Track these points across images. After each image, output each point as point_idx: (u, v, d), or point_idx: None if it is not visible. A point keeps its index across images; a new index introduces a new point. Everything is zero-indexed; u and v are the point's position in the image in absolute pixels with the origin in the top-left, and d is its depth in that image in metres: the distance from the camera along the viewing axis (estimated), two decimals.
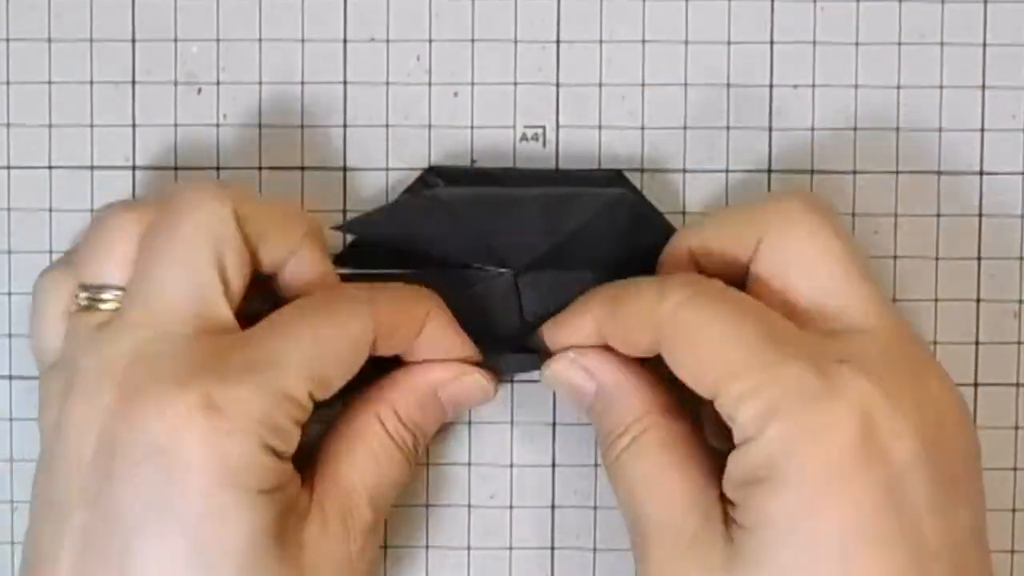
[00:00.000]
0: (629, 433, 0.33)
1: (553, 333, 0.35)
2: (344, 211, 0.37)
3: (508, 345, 0.36)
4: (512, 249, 0.36)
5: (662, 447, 0.32)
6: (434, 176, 0.36)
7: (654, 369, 0.33)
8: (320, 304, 0.32)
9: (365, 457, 0.33)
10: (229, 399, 0.30)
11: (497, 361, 0.36)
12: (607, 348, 0.34)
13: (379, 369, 0.34)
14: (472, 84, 0.37)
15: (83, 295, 0.32)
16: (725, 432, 0.31)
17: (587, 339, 0.34)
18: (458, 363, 0.35)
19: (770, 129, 0.37)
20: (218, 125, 0.37)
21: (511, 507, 0.37)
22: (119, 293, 0.32)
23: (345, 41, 0.37)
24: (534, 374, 0.37)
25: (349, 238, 0.37)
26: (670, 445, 0.33)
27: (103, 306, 0.32)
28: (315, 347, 0.31)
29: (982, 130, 0.37)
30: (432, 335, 0.34)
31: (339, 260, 0.36)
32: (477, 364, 0.35)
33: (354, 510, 0.32)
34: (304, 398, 0.31)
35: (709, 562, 0.31)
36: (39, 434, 0.32)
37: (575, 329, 0.34)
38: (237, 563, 0.29)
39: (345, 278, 0.36)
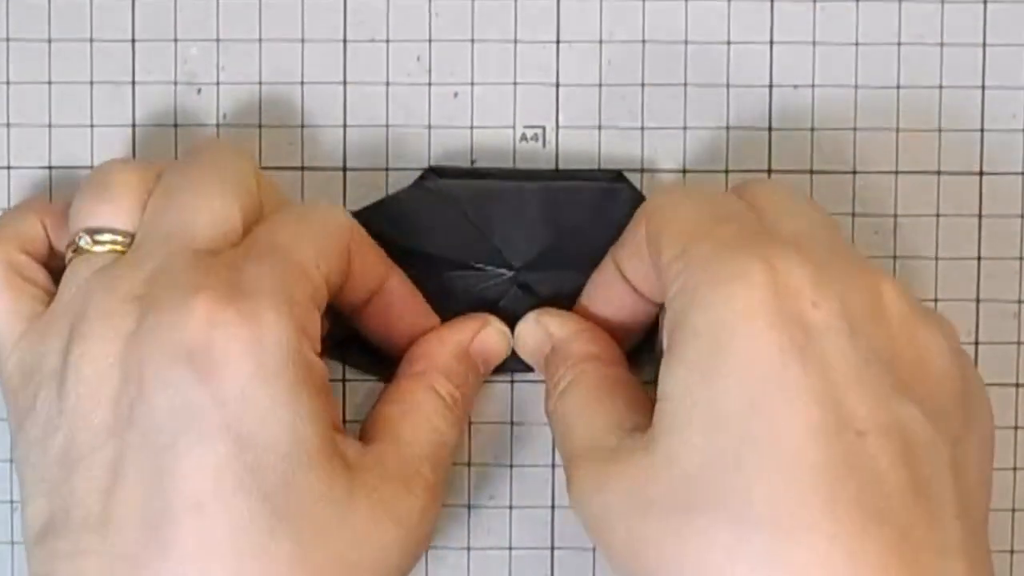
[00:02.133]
0: (566, 377, 0.33)
1: (584, 300, 0.35)
2: None
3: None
4: (512, 244, 0.36)
5: (593, 386, 0.33)
6: (434, 176, 0.36)
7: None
8: (299, 205, 0.34)
9: (422, 419, 0.33)
10: (250, 282, 0.29)
11: (503, 359, 0.36)
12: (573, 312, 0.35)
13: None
14: (472, 84, 0.37)
15: (86, 238, 0.32)
16: None
17: (610, 295, 0.34)
18: (475, 318, 0.35)
19: (770, 129, 0.37)
20: (218, 125, 0.37)
21: (511, 507, 0.37)
22: (118, 237, 0.32)
23: (345, 41, 0.37)
24: (534, 374, 0.37)
25: None
26: (601, 384, 0.33)
27: (101, 248, 0.31)
28: (307, 228, 0.32)
29: (982, 130, 0.37)
30: (396, 290, 0.34)
31: None
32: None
33: (415, 466, 0.32)
34: (316, 274, 0.31)
35: (623, 453, 0.30)
36: (22, 400, 0.31)
37: (599, 281, 0.35)
38: (283, 463, 0.28)
39: None
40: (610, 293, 0.35)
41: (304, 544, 0.28)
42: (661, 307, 0.33)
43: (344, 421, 0.37)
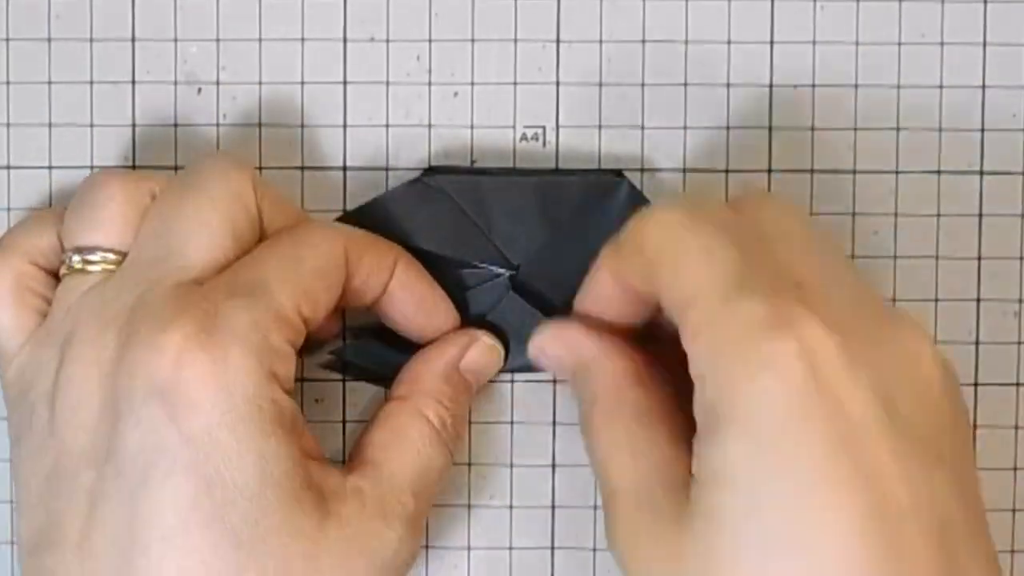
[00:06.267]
0: (602, 403, 0.33)
1: (579, 303, 0.35)
2: (344, 211, 0.37)
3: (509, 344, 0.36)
4: (510, 240, 0.36)
5: (632, 416, 0.32)
6: (432, 173, 0.36)
7: (640, 345, 0.34)
8: (292, 232, 0.33)
9: (406, 445, 0.33)
10: (224, 323, 0.29)
11: (503, 359, 0.36)
12: (589, 323, 0.34)
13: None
14: (472, 84, 0.37)
15: (76, 257, 0.32)
16: None
17: (607, 298, 0.34)
18: (463, 334, 0.35)
19: (770, 129, 0.37)
20: (218, 125, 0.37)
21: (511, 507, 0.37)
22: (109, 256, 0.32)
23: (345, 41, 0.37)
24: (534, 374, 0.37)
25: None
26: (640, 413, 0.32)
27: (93, 268, 0.32)
28: (294, 266, 0.31)
29: (982, 130, 0.37)
30: (405, 279, 0.34)
31: None
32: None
33: (395, 497, 0.32)
34: (295, 317, 0.31)
35: (663, 519, 0.29)
36: (19, 415, 0.32)
37: (595, 287, 0.34)
38: (251, 502, 0.29)
39: None
40: (608, 301, 0.34)
41: None
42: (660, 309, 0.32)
43: (344, 422, 0.37)
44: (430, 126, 0.37)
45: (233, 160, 0.33)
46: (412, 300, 0.35)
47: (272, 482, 0.29)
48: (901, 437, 0.28)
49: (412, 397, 0.34)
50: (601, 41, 0.37)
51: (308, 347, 0.36)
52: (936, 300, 0.37)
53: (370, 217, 0.36)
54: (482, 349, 0.35)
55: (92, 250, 0.32)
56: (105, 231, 0.32)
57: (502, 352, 0.36)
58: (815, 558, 0.27)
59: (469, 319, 0.36)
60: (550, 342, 0.34)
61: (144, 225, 0.32)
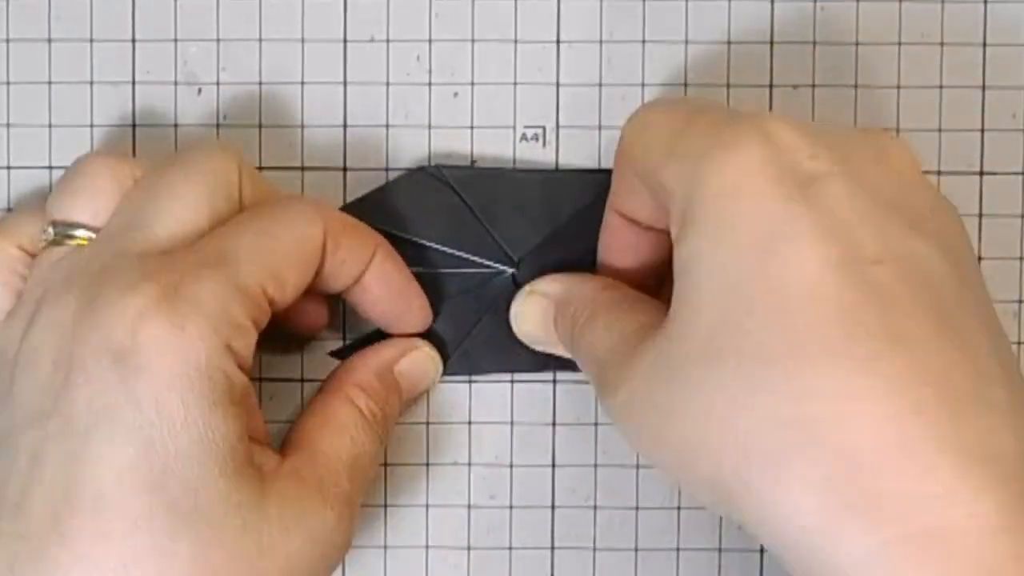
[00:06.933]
0: (583, 313, 0.33)
1: (601, 254, 0.35)
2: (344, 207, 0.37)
3: (509, 344, 0.36)
4: (511, 233, 0.36)
5: (612, 306, 0.33)
6: (435, 168, 0.37)
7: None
8: (272, 206, 0.32)
9: (340, 430, 0.33)
10: (187, 292, 0.29)
11: (500, 360, 0.36)
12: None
13: None
14: (472, 84, 0.37)
15: (51, 230, 0.32)
16: None
17: (621, 237, 0.34)
18: (407, 341, 0.36)
19: None
20: (218, 125, 0.37)
21: (511, 507, 0.37)
22: (85, 232, 0.32)
23: (345, 41, 0.37)
24: (535, 375, 0.37)
25: None
26: (621, 303, 0.33)
27: (70, 242, 0.32)
28: (266, 242, 0.31)
29: (982, 130, 0.37)
30: (381, 272, 0.34)
31: None
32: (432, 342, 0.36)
33: (331, 477, 0.32)
34: (259, 294, 0.31)
35: (648, 348, 0.29)
36: None
37: (607, 229, 0.35)
38: (191, 470, 0.29)
39: None
40: (623, 242, 0.34)
41: (206, 546, 0.29)
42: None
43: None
44: (430, 126, 0.37)
45: (221, 145, 0.33)
46: (386, 294, 0.35)
47: (214, 453, 0.29)
48: (867, 195, 0.27)
49: (344, 387, 0.34)
50: (601, 41, 0.37)
51: (298, 337, 0.36)
52: None
53: (371, 207, 0.36)
54: (420, 357, 0.36)
55: (70, 225, 0.32)
56: (82, 207, 0.32)
57: (440, 367, 0.36)
58: (787, 300, 0.26)
59: (472, 319, 0.36)
60: (525, 301, 0.35)
61: (122, 199, 0.32)
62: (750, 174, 0.28)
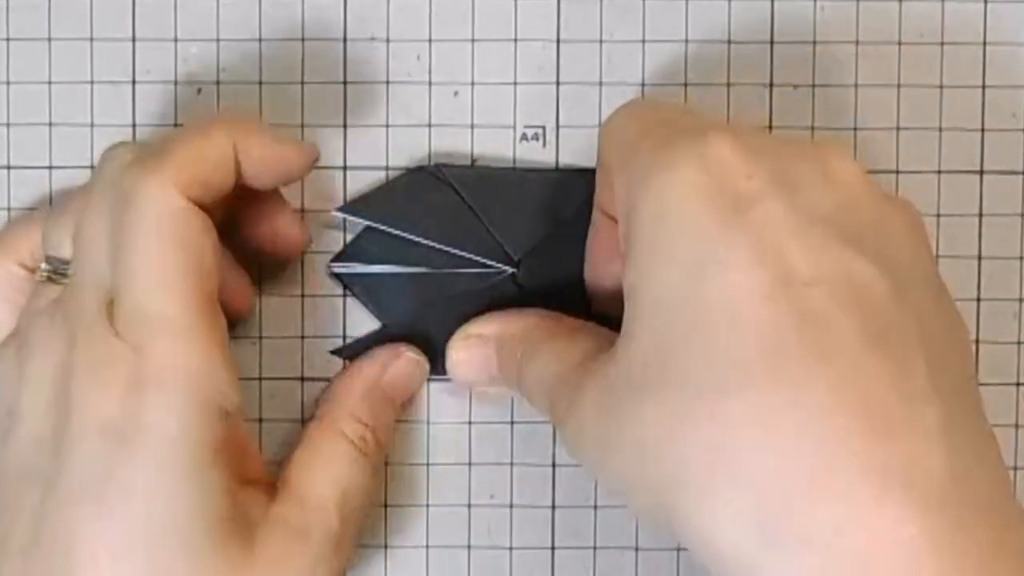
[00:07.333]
0: (526, 345, 0.33)
1: (588, 253, 0.35)
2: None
3: None
4: (511, 232, 0.36)
5: (549, 337, 0.33)
6: (436, 166, 0.37)
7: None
8: (111, 201, 0.31)
9: (329, 465, 0.33)
10: (151, 370, 0.29)
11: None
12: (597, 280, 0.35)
13: None
14: (472, 84, 0.37)
15: (45, 267, 0.32)
16: None
17: (608, 241, 0.34)
18: (385, 351, 0.36)
19: (770, 128, 0.37)
20: None
21: (511, 507, 0.37)
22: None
23: (345, 41, 0.37)
24: None
25: (350, 236, 0.37)
26: (558, 333, 0.33)
27: (64, 281, 0.32)
28: (150, 259, 0.30)
29: (982, 130, 0.37)
30: (249, 159, 0.32)
31: (340, 258, 0.36)
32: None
33: (319, 519, 0.32)
34: (204, 305, 0.30)
35: (595, 375, 0.29)
36: None
37: (593, 231, 0.35)
38: (178, 533, 0.29)
39: (345, 278, 0.36)
40: (609, 241, 0.34)
41: None
42: None
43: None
44: (430, 126, 0.37)
45: (157, 176, 0.30)
46: (261, 168, 0.33)
47: (202, 515, 0.30)
48: (802, 214, 0.27)
49: (329, 417, 0.34)
50: (601, 41, 0.37)
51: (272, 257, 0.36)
52: None
53: (372, 205, 0.36)
54: (404, 364, 0.36)
55: (62, 262, 0.32)
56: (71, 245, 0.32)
57: (427, 367, 0.36)
58: (716, 327, 0.26)
59: (469, 320, 0.36)
60: (462, 346, 0.35)
61: (76, 245, 0.31)
62: (683, 198, 0.27)
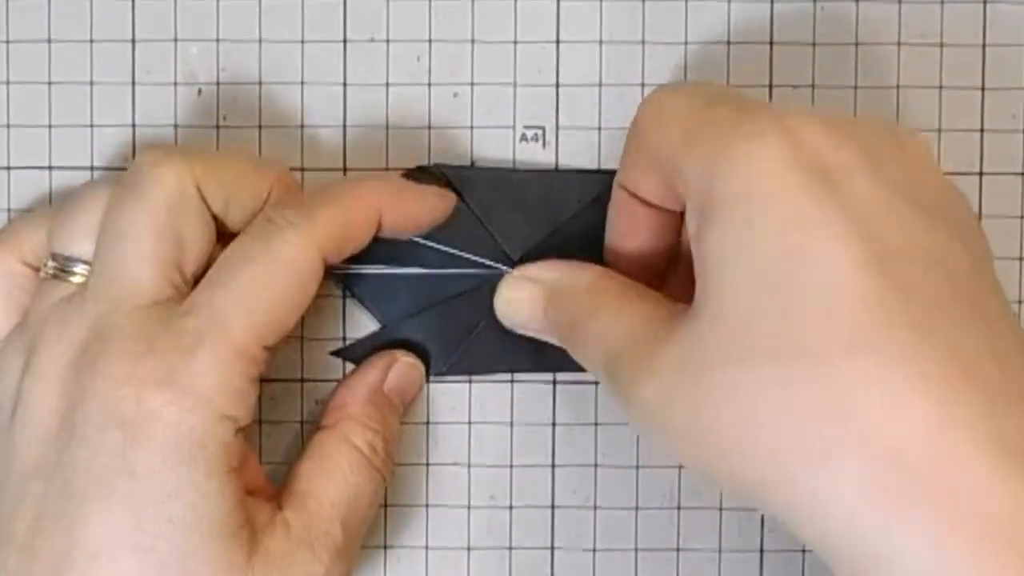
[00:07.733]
0: (585, 301, 0.33)
1: (608, 236, 0.35)
2: None
3: (509, 344, 0.36)
4: (510, 233, 0.36)
5: (619, 292, 0.32)
6: (434, 166, 0.37)
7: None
8: (253, 241, 0.32)
9: (333, 475, 0.33)
10: (185, 367, 0.30)
11: (500, 360, 0.36)
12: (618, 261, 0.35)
13: None
14: (472, 84, 0.37)
15: (52, 264, 0.32)
16: None
17: (630, 218, 0.34)
18: (381, 358, 0.36)
19: None
20: (218, 126, 0.37)
21: (511, 507, 0.37)
22: (87, 267, 0.32)
23: (345, 41, 0.37)
24: (535, 375, 0.37)
25: None
26: (626, 290, 0.32)
27: (72, 279, 0.32)
28: (256, 293, 0.31)
29: (982, 130, 0.37)
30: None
31: None
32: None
33: (322, 528, 0.32)
34: (257, 351, 0.31)
35: (673, 342, 0.29)
36: None
37: (615, 209, 0.34)
38: (183, 535, 0.30)
39: (345, 277, 0.36)
40: (630, 221, 0.34)
41: None
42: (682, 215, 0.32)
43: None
44: (430, 126, 0.37)
45: (173, 165, 0.32)
46: (407, 222, 0.35)
47: (207, 519, 0.30)
48: (889, 188, 0.28)
49: (338, 424, 0.34)
50: (601, 41, 0.37)
51: None
52: None
53: None
54: (402, 369, 0.36)
55: (69, 260, 0.32)
56: (80, 242, 0.32)
57: (423, 370, 0.36)
58: (820, 298, 0.27)
59: (474, 320, 0.36)
60: (513, 286, 0.35)
61: (99, 239, 0.32)
62: (774, 168, 0.28)
